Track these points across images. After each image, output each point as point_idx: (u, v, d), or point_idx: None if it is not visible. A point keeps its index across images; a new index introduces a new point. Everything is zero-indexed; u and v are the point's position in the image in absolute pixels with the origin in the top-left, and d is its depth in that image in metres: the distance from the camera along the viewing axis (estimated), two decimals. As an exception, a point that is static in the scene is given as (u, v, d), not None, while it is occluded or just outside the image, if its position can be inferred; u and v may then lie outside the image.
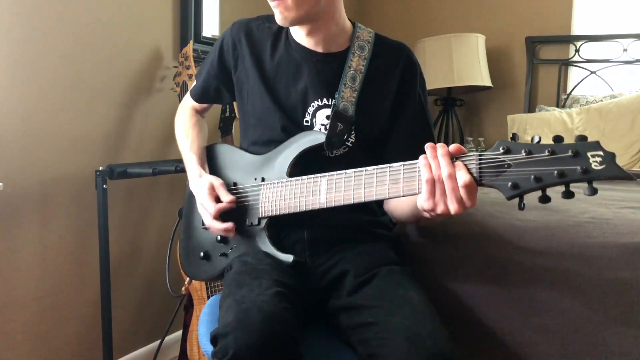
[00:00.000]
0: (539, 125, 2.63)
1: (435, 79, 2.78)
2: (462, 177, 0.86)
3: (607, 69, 2.81)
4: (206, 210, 1.17)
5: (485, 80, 2.84)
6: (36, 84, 1.67)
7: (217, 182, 1.19)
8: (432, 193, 0.89)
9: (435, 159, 0.89)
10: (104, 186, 1.73)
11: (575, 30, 2.92)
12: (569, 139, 0.76)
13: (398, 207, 1.14)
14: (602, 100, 2.61)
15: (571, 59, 2.91)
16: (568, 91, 2.92)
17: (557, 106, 2.86)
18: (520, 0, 3.00)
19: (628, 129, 2.39)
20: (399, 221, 1.20)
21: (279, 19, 1.13)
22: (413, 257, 1.20)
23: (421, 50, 2.91)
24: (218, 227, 1.15)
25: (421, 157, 0.91)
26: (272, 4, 1.12)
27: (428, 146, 0.90)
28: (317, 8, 1.12)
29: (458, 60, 2.80)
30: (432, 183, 0.89)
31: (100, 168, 1.74)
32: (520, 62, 3.03)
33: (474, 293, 1.11)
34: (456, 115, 3.06)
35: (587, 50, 2.87)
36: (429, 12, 3.25)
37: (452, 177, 0.87)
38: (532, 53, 2.96)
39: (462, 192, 0.86)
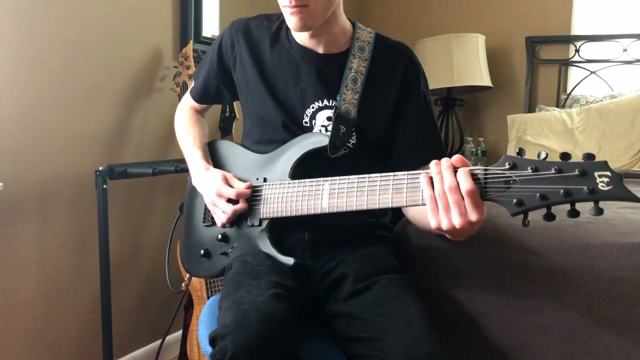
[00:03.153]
0: (539, 125, 2.63)
1: (435, 79, 2.78)
2: (465, 185, 0.85)
3: (607, 69, 2.81)
4: (224, 196, 1.15)
5: (485, 80, 2.84)
6: (36, 84, 1.67)
7: (228, 174, 1.19)
8: (435, 210, 0.88)
9: (438, 174, 0.88)
10: (104, 186, 1.73)
11: (575, 30, 2.92)
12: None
13: (417, 215, 1.13)
14: (602, 100, 2.61)
15: (571, 59, 2.91)
16: (568, 91, 2.92)
17: (557, 106, 2.86)
18: (520, 0, 3.00)
19: (628, 129, 2.38)
20: (421, 229, 1.17)
21: (296, 25, 1.08)
22: (413, 257, 1.20)
23: (421, 50, 2.91)
24: (237, 207, 1.14)
25: (422, 175, 0.91)
26: (287, 10, 1.07)
27: (432, 164, 0.90)
28: (331, 11, 1.11)
29: (458, 60, 2.80)
30: (434, 200, 0.88)
31: (100, 168, 1.74)
32: (520, 62, 3.02)
33: (473, 293, 1.11)
34: (456, 115, 3.06)
35: (587, 50, 2.87)
36: (429, 12, 3.25)
37: (455, 189, 0.85)
38: (532, 53, 2.96)
39: (466, 202, 0.84)
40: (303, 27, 1.10)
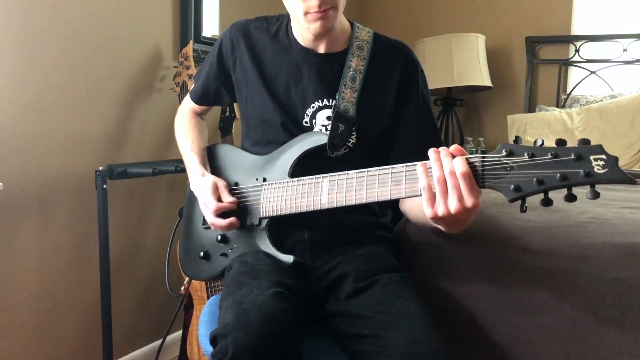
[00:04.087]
0: (539, 125, 2.63)
1: (435, 79, 2.78)
2: (460, 167, 0.86)
3: (607, 69, 2.81)
4: (208, 208, 1.17)
5: (485, 80, 2.84)
6: (36, 84, 1.66)
7: (220, 182, 1.19)
8: (431, 199, 0.89)
9: (438, 161, 0.89)
10: (104, 186, 1.73)
11: (575, 30, 2.92)
12: (569, 139, 0.76)
13: (413, 208, 1.14)
14: (602, 100, 2.61)
15: (571, 59, 2.91)
16: (568, 91, 2.92)
17: (557, 106, 2.86)
18: (520, 0, 3.00)
19: (628, 129, 2.39)
20: (416, 223, 1.19)
21: (322, 28, 1.08)
22: (413, 257, 1.20)
23: (421, 50, 2.91)
24: (220, 224, 1.15)
25: (419, 164, 0.91)
26: (312, 16, 1.07)
27: (431, 151, 0.90)
28: None
29: (458, 60, 2.80)
30: (429, 189, 0.88)
31: (100, 168, 1.74)
32: (520, 62, 3.03)
33: (474, 293, 1.11)
34: (456, 115, 3.06)
35: (587, 50, 2.87)
36: (429, 12, 3.25)
37: (453, 173, 0.86)
38: (532, 53, 2.96)
39: (462, 185, 0.86)
40: (327, 30, 1.11)
